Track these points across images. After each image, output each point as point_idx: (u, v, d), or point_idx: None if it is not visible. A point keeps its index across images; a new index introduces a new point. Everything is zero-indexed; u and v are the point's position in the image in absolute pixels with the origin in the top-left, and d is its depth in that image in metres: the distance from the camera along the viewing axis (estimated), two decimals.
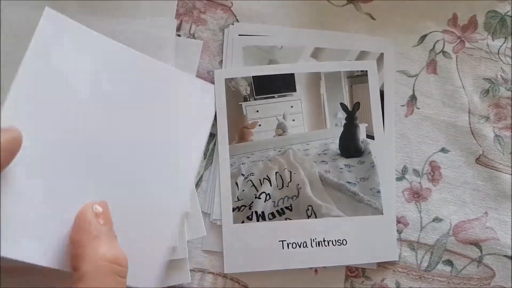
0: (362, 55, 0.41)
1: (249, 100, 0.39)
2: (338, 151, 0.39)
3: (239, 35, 0.40)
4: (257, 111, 0.39)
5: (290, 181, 0.38)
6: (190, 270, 0.36)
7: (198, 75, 0.40)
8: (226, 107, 0.39)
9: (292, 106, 0.40)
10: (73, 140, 0.32)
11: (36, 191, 0.30)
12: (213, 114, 0.39)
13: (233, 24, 0.40)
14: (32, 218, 0.29)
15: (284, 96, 0.40)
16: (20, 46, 0.37)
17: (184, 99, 0.37)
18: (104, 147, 0.33)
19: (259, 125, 0.39)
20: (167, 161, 0.35)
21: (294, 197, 0.38)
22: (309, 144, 0.39)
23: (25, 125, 0.29)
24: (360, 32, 0.41)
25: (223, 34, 0.40)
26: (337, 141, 0.40)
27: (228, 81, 0.39)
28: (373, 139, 0.40)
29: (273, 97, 0.39)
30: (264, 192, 0.38)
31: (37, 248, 0.29)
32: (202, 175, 0.38)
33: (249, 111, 0.39)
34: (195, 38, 0.40)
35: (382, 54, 0.41)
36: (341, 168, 0.39)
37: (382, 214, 0.38)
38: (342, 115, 0.40)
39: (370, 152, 0.39)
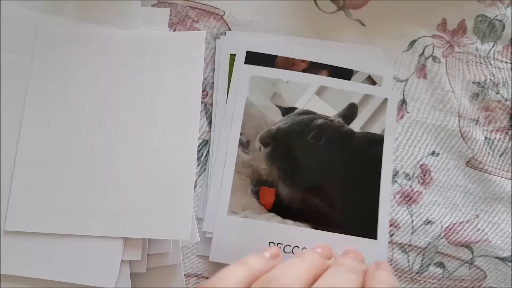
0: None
1: None
2: None
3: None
4: None
5: None
6: (185, 275, 0.37)
7: None
8: None
9: None
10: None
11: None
12: (202, 68, 0.39)
13: (225, 34, 0.41)
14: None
15: None
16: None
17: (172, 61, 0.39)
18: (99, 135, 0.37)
19: None
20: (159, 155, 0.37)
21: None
22: None
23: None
24: (350, 39, 0.41)
25: (216, 43, 0.41)
26: None
27: None
28: None
29: None
30: None
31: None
32: (196, 181, 0.39)
33: None
34: None
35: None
36: None
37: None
38: None
39: None
